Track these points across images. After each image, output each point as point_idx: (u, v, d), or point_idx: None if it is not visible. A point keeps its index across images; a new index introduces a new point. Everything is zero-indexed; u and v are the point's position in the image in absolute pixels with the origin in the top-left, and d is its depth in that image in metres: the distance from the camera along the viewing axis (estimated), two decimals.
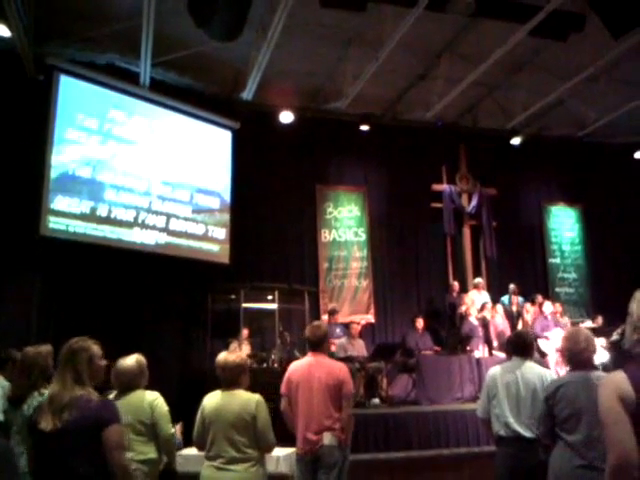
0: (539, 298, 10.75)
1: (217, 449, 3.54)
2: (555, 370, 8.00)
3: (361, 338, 9.40)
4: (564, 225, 13.02)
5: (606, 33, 7.63)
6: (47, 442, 2.76)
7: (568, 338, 3.50)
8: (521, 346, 4.23)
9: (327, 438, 4.09)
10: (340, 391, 4.15)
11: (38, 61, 8.40)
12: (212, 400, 3.69)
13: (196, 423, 3.71)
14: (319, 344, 4.33)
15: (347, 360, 8.42)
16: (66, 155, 8.42)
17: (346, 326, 9.69)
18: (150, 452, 3.60)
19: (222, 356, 3.75)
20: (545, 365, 5.23)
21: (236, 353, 3.86)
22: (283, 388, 4.32)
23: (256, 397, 3.64)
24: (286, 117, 10.50)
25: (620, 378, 1.99)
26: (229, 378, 3.67)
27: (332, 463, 4.10)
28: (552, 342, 9.26)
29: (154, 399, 3.68)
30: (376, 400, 8.41)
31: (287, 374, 4.37)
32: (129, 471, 2.87)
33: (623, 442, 1.91)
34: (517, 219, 12.58)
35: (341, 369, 4.27)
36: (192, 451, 4.60)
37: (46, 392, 3.70)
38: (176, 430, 3.86)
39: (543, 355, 9.30)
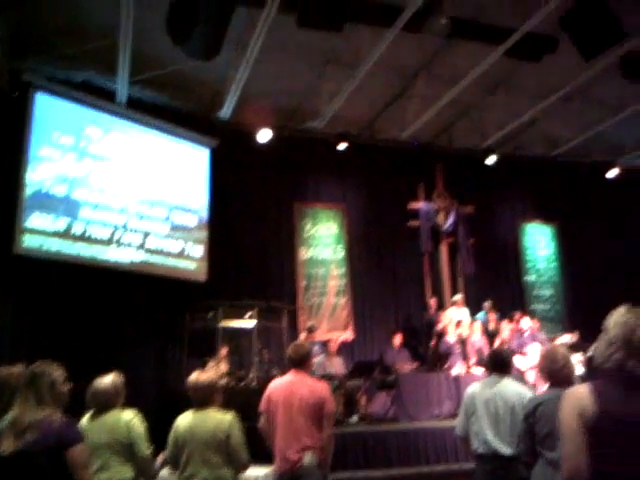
0: (517, 315, 10.83)
1: (191, 469, 3.51)
2: (537, 386, 8.02)
3: (340, 355, 9.40)
4: (539, 243, 13.18)
5: (579, 54, 7.80)
6: (7, 465, 2.72)
7: (545, 356, 3.52)
8: (499, 363, 4.25)
9: (307, 458, 4.04)
10: (322, 410, 4.11)
11: (14, 77, 8.33)
12: (185, 420, 3.66)
13: (169, 444, 3.68)
14: (301, 363, 4.29)
15: (326, 378, 8.41)
16: (41, 172, 8.34)
17: (324, 344, 9.68)
18: (127, 472, 3.54)
19: (193, 376, 3.74)
20: (525, 382, 5.26)
21: (207, 373, 3.83)
22: (263, 405, 4.26)
23: (229, 416, 3.63)
24: (264, 135, 10.51)
25: (581, 392, 2.07)
26: (201, 398, 3.66)
27: None
28: (529, 358, 9.31)
29: (131, 418, 3.63)
30: (355, 418, 8.39)
31: (268, 391, 4.32)
32: None
33: (574, 457, 2.01)
34: (493, 237, 12.71)
35: (323, 388, 4.24)
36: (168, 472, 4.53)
37: None
38: (158, 459, 3.79)
39: (521, 372, 9.34)
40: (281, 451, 4.08)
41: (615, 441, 1.97)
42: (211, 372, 3.89)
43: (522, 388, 4.11)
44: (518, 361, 9.30)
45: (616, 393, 2.03)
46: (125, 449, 3.55)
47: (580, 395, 2.06)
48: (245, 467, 3.67)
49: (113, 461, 3.51)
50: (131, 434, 3.57)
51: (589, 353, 8.10)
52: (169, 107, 9.92)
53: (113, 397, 3.68)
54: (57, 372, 2.96)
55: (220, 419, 3.59)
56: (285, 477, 4.10)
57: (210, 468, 3.48)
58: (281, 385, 4.28)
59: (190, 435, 3.55)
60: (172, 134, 9.95)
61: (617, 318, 2.14)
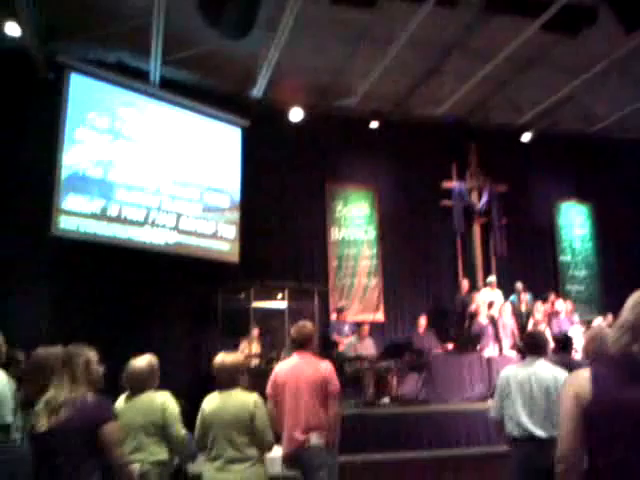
0: (552, 296, 10.68)
1: (217, 450, 3.56)
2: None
3: (370, 337, 9.39)
4: (575, 222, 12.94)
5: (618, 28, 7.57)
6: (43, 443, 2.83)
7: (594, 338, 3.45)
8: (534, 345, 4.22)
9: (314, 438, 4.06)
10: (326, 389, 4.13)
11: (48, 59, 8.43)
12: (211, 402, 3.71)
13: (196, 425, 3.73)
14: (305, 344, 4.32)
15: (357, 359, 8.44)
16: (77, 154, 8.44)
17: (355, 324, 9.70)
18: (162, 453, 3.59)
19: (219, 358, 3.78)
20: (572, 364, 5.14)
21: (232, 354, 3.86)
22: (269, 390, 4.27)
23: (254, 396, 3.67)
24: (296, 114, 10.46)
25: (581, 376, 2.06)
26: (226, 379, 3.70)
27: (318, 464, 4.05)
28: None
29: (165, 400, 3.67)
30: (386, 399, 8.39)
31: (273, 375, 4.35)
32: (127, 468, 2.97)
33: (568, 439, 2.03)
34: (527, 216, 12.50)
35: (327, 367, 4.25)
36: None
37: None
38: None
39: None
40: (288, 431, 4.11)
41: (609, 427, 1.96)
42: (236, 354, 3.91)
43: (557, 370, 4.05)
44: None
45: (616, 378, 2.00)
46: (159, 430, 3.60)
47: (580, 379, 2.05)
48: (270, 447, 3.72)
49: (148, 442, 3.56)
50: (165, 415, 3.61)
51: None
52: (201, 87, 9.93)
53: (148, 378, 3.73)
54: (91, 353, 3.04)
55: (245, 400, 3.63)
56: (291, 457, 4.13)
57: (235, 448, 3.53)
58: (286, 368, 4.31)
59: (216, 416, 3.61)
60: (204, 114, 9.97)
61: (630, 302, 2.11)
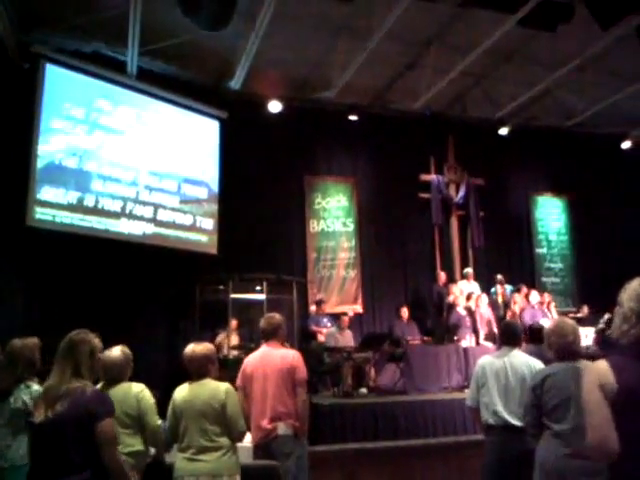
0: (524, 288, 10.81)
1: (188, 440, 3.55)
2: None
3: (349, 329, 9.44)
4: (551, 215, 13.11)
5: (594, 24, 7.65)
6: (39, 433, 2.75)
7: (554, 330, 3.51)
8: (510, 336, 4.29)
9: (282, 428, 4.10)
10: (293, 377, 4.17)
11: (23, 49, 8.30)
12: (182, 392, 3.71)
13: (168, 416, 3.72)
14: (273, 333, 4.37)
15: (335, 350, 8.48)
16: (52, 145, 8.34)
17: (333, 316, 9.73)
18: (137, 444, 3.58)
19: (189, 348, 3.76)
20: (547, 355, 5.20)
21: (203, 344, 3.85)
22: (238, 381, 4.30)
23: (225, 385, 3.67)
24: (274, 107, 10.44)
25: (602, 367, 2.05)
26: (197, 369, 3.70)
27: (287, 454, 4.09)
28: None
29: (140, 391, 3.66)
30: (364, 390, 8.45)
31: (243, 366, 4.39)
32: (122, 465, 2.87)
33: (602, 427, 1.98)
34: (504, 209, 12.64)
35: (294, 355, 4.31)
36: None
37: (33, 384, 3.69)
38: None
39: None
40: (256, 420, 4.15)
41: (634, 415, 1.97)
42: (206, 344, 3.90)
43: (532, 359, 4.12)
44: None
45: (634, 368, 2.01)
46: (135, 421, 3.59)
47: (601, 370, 2.05)
48: (242, 436, 3.72)
49: (123, 434, 3.53)
50: (141, 406, 3.60)
51: (599, 326, 8.10)
52: (179, 78, 9.84)
53: (123, 369, 3.72)
54: (96, 340, 2.96)
55: (215, 389, 3.62)
56: (261, 447, 4.15)
57: (207, 438, 3.52)
58: (255, 358, 4.36)
59: (187, 406, 3.60)
60: (182, 106, 9.90)
61: (631, 291, 2.11)
